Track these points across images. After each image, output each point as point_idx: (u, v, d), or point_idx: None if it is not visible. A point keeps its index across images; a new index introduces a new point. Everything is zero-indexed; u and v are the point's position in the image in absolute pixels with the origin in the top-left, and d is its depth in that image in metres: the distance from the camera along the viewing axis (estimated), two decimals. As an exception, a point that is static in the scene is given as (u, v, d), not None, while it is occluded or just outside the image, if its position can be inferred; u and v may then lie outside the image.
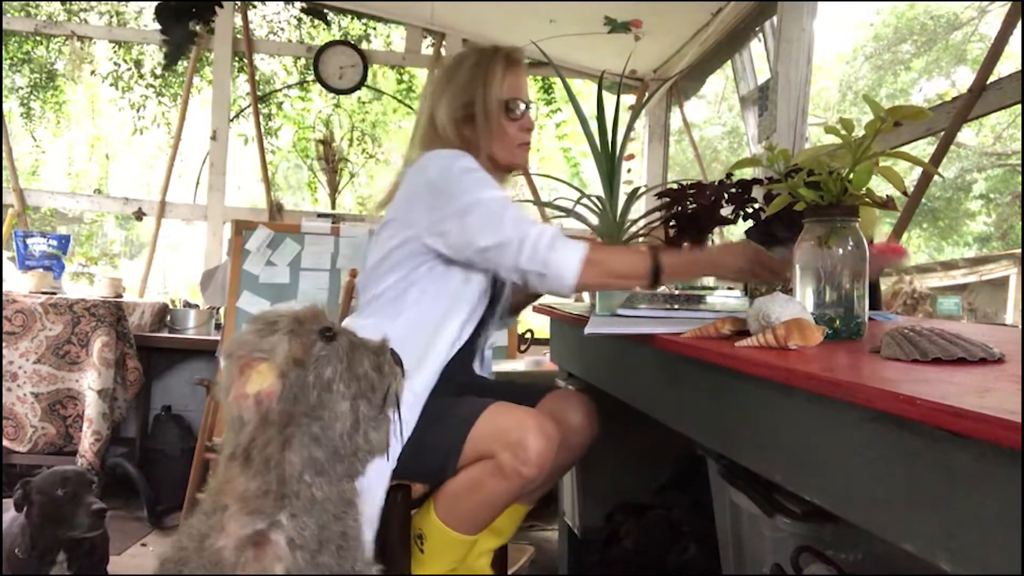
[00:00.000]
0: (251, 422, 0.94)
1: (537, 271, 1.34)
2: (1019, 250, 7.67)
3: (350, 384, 0.99)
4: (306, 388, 0.96)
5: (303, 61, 4.80)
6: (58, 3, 4.57)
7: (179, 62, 4.15)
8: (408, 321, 1.45)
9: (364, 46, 4.44)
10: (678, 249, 1.49)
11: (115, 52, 4.79)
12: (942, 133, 2.14)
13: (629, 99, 4.17)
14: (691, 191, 1.80)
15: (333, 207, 4.06)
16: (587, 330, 1.29)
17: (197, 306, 3.63)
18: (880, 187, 1.21)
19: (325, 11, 4.35)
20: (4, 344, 2.82)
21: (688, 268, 1.33)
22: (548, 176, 4.84)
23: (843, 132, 1.13)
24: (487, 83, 1.48)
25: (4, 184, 3.87)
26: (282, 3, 4.55)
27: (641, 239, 2.08)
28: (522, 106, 1.52)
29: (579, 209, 2.60)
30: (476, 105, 1.48)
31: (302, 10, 4.38)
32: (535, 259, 1.33)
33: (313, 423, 0.96)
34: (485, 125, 1.49)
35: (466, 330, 1.50)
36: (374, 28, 4.82)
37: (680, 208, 1.81)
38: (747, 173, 1.98)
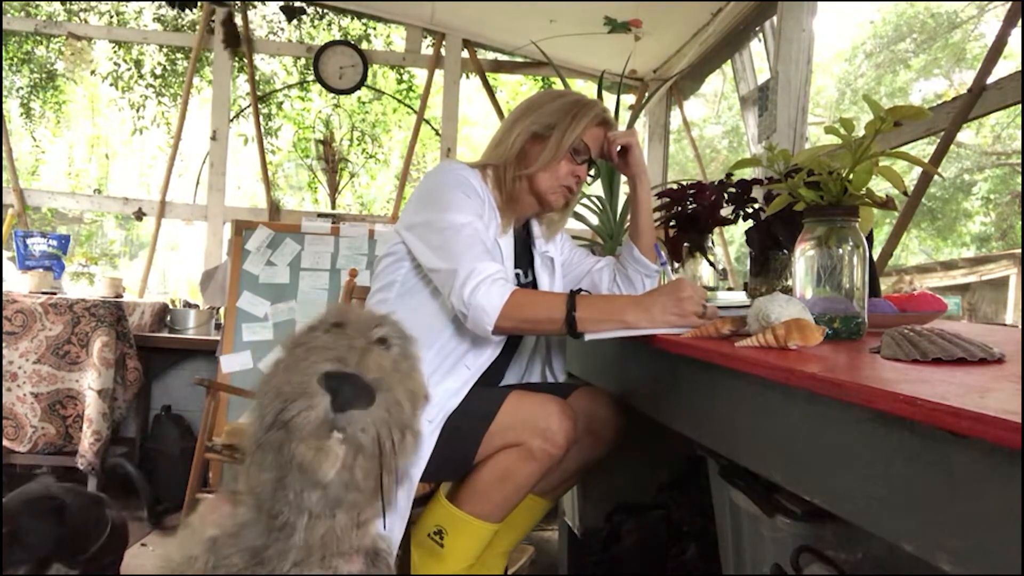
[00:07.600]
0: None
1: (460, 310, 1.38)
2: (1019, 250, 7.67)
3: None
4: None
5: (303, 61, 4.80)
6: (58, 3, 4.57)
7: (186, 9, 4.06)
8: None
9: (364, 46, 4.44)
10: (602, 297, 1.53)
11: (115, 52, 4.79)
12: (942, 133, 2.14)
13: (629, 99, 4.16)
14: (691, 191, 1.80)
15: (333, 207, 4.06)
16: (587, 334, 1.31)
17: (197, 306, 3.63)
18: (880, 187, 1.21)
19: (299, 7, 4.25)
20: (4, 344, 2.82)
21: (600, 320, 1.32)
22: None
23: (843, 132, 1.13)
24: (575, 121, 1.54)
25: (4, 184, 3.87)
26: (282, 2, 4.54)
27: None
28: (585, 158, 1.58)
29: (579, 209, 2.61)
30: (556, 129, 1.54)
31: (281, 7, 4.25)
32: (460, 298, 1.37)
33: None
34: (549, 151, 1.54)
35: (456, 340, 1.49)
36: (374, 28, 4.82)
37: (680, 208, 1.81)
38: (747, 173, 1.98)
